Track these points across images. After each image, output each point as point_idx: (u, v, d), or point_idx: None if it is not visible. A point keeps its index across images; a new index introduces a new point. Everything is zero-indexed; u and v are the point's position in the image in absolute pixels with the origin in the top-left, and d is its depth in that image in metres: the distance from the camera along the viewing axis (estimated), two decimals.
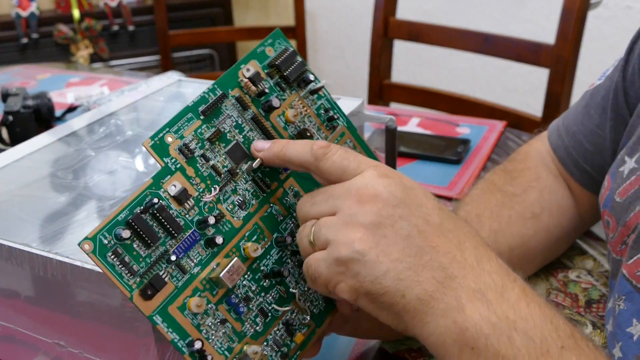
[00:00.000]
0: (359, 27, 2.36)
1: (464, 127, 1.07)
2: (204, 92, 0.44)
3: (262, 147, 0.45)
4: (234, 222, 0.44)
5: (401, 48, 1.59)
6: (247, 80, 0.46)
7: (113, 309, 0.45)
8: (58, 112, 1.13)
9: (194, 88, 0.81)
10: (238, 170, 0.45)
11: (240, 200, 0.45)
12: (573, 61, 1.19)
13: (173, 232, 0.41)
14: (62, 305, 0.48)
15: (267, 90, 0.46)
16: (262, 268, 0.45)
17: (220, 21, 2.58)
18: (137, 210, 0.40)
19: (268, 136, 0.46)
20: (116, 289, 0.44)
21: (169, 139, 0.42)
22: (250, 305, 0.44)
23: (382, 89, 1.48)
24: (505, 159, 0.74)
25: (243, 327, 0.43)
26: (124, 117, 0.72)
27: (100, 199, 0.56)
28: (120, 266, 0.39)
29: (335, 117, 0.50)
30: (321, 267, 0.41)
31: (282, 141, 0.45)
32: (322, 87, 0.49)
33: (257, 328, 0.44)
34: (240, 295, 0.43)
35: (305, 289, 0.47)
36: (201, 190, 0.43)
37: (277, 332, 0.45)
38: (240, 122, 0.46)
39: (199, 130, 0.44)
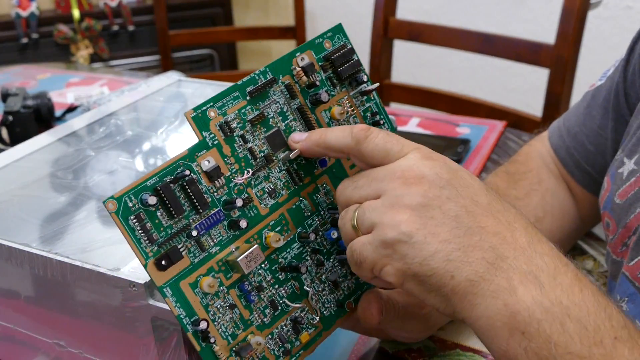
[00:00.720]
0: (359, 27, 2.36)
1: (464, 127, 1.07)
2: (254, 73, 0.44)
3: (299, 138, 0.44)
4: (261, 209, 0.44)
5: (401, 48, 1.59)
6: (299, 69, 0.45)
7: (113, 309, 0.45)
8: (58, 112, 1.13)
9: (194, 88, 0.81)
10: (274, 158, 0.44)
11: (271, 188, 0.44)
12: (573, 61, 1.19)
13: (199, 207, 0.40)
14: (62, 305, 0.48)
15: (317, 83, 0.46)
16: (280, 260, 0.44)
17: (220, 21, 2.58)
18: (167, 179, 0.39)
19: (310, 129, 0.46)
20: (116, 289, 0.44)
21: (212, 114, 0.42)
22: (262, 295, 0.43)
23: (382, 89, 1.48)
24: (506, 160, 0.74)
25: (250, 316, 0.43)
26: (124, 117, 0.72)
27: (100, 199, 0.56)
28: (140, 231, 0.38)
29: (381, 122, 0.49)
30: (366, 251, 0.40)
31: (320, 129, 0.44)
32: (374, 89, 0.48)
33: (265, 319, 0.43)
34: (253, 283, 0.43)
35: (320, 289, 0.46)
36: (234, 170, 0.42)
37: (284, 327, 0.44)
38: (285, 109, 0.45)
39: (242, 111, 0.43)
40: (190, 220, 0.40)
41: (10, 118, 0.99)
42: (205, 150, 0.41)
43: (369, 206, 0.40)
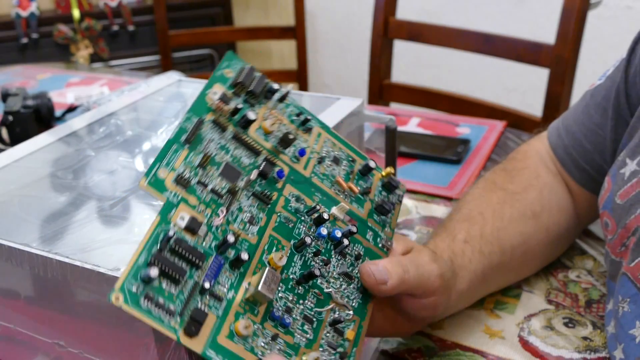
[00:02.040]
0: (359, 27, 2.36)
1: (464, 127, 1.07)
2: (180, 124, 0.44)
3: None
4: (250, 239, 0.44)
5: (401, 48, 1.59)
6: (218, 101, 0.45)
7: (113, 309, 0.45)
8: (58, 112, 1.13)
9: (193, 88, 0.81)
10: (237, 189, 0.44)
11: (248, 216, 0.44)
12: (573, 61, 1.19)
13: (197, 261, 0.40)
14: (62, 305, 0.48)
15: (239, 106, 0.46)
16: (291, 277, 0.45)
17: (220, 21, 2.58)
18: (155, 249, 0.39)
19: (253, 150, 0.46)
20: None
21: (162, 174, 0.41)
22: (294, 315, 0.43)
23: (382, 89, 1.48)
24: (504, 159, 0.74)
25: (295, 339, 0.43)
26: (124, 117, 0.72)
27: (100, 199, 0.56)
28: (156, 309, 0.37)
29: (309, 118, 0.51)
30: None
31: None
32: (289, 92, 0.50)
33: (308, 336, 0.44)
34: (281, 308, 0.43)
35: (338, 286, 0.47)
36: (209, 215, 0.42)
37: (328, 335, 0.45)
38: (223, 143, 0.45)
39: (188, 159, 0.43)
40: (196, 278, 0.40)
41: (10, 118, 0.99)
42: (174, 209, 0.41)
43: None
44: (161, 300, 0.37)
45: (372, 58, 1.47)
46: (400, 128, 1.06)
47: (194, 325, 0.38)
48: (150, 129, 0.70)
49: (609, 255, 0.58)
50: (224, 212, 0.43)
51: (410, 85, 1.46)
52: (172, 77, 0.88)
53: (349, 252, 0.49)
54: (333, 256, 0.48)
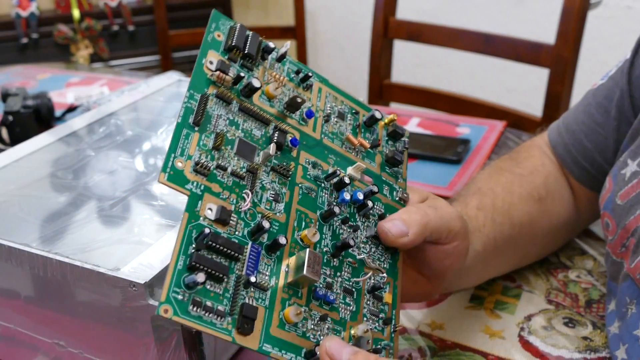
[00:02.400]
0: (359, 27, 2.36)
1: (464, 127, 1.07)
2: (184, 103, 0.42)
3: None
4: (279, 218, 0.43)
5: (401, 48, 1.59)
6: (217, 72, 0.44)
7: (113, 309, 0.45)
8: (58, 112, 1.13)
9: None
10: (256, 166, 0.43)
11: (272, 194, 0.43)
12: (573, 61, 1.19)
13: (236, 254, 0.38)
14: (62, 305, 0.48)
15: (242, 74, 0.44)
16: (325, 250, 0.44)
17: None
18: (191, 249, 0.37)
19: (262, 120, 0.45)
20: (116, 289, 0.44)
21: (180, 164, 0.39)
22: (335, 290, 0.43)
23: (382, 89, 1.48)
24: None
25: (340, 314, 0.43)
26: (124, 117, 0.72)
27: (100, 199, 0.56)
28: (207, 314, 0.36)
29: (309, 75, 0.49)
30: None
31: None
32: (286, 50, 0.48)
33: (351, 308, 0.43)
34: (322, 285, 0.42)
35: (368, 250, 0.47)
36: (235, 201, 0.41)
37: (368, 303, 0.45)
38: (231, 117, 0.44)
39: (201, 142, 0.41)
40: (237, 272, 0.38)
41: (10, 118, 0.99)
42: (200, 201, 0.39)
43: None
44: (209, 303, 0.36)
45: (372, 58, 1.47)
46: None
47: (246, 323, 0.37)
48: (150, 129, 0.70)
49: (610, 256, 0.58)
50: (250, 194, 0.41)
51: (410, 85, 1.46)
52: (172, 77, 0.88)
53: (372, 212, 0.48)
54: (359, 220, 0.47)
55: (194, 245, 0.37)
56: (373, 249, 0.47)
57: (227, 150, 0.42)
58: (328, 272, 0.43)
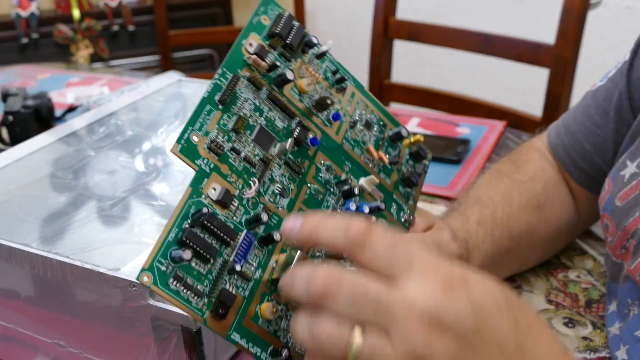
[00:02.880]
0: (359, 27, 2.36)
1: (464, 127, 1.07)
2: (215, 79, 0.41)
3: (291, 226, 0.37)
4: (280, 213, 0.42)
5: (401, 48, 1.59)
6: (254, 56, 0.43)
7: (113, 309, 0.45)
8: (58, 112, 1.13)
9: (194, 88, 0.81)
10: (270, 156, 0.43)
11: (279, 188, 0.43)
12: (573, 61, 1.19)
13: (228, 239, 0.38)
14: (62, 305, 0.48)
15: (277, 63, 0.44)
16: (317, 254, 0.43)
17: (220, 21, 2.58)
18: (186, 224, 0.37)
19: (287, 112, 0.45)
20: (116, 289, 0.44)
21: (195, 138, 0.39)
22: None
23: (382, 89, 1.48)
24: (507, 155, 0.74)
25: None
26: (124, 117, 0.72)
27: (100, 199, 0.56)
28: (185, 290, 0.36)
29: (345, 78, 0.49)
30: None
31: (313, 220, 0.37)
32: (328, 49, 0.47)
33: None
34: None
35: None
36: (240, 187, 0.40)
37: None
38: (257, 103, 0.43)
39: (221, 122, 0.41)
40: (225, 256, 0.38)
41: (10, 118, 0.99)
42: (206, 179, 0.39)
43: (378, 351, 0.33)
44: (190, 280, 0.36)
45: (372, 58, 1.47)
46: None
47: (221, 308, 0.37)
48: (150, 129, 0.70)
49: (610, 257, 0.58)
50: (257, 183, 0.41)
51: (410, 85, 1.46)
52: (172, 77, 0.88)
53: None
54: None
55: (189, 221, 0.37)
56: None
57: (245, 135, 0.42)
58: None
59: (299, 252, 0.40)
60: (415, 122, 1.10)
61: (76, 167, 0.61)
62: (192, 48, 2.52)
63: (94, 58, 2.44)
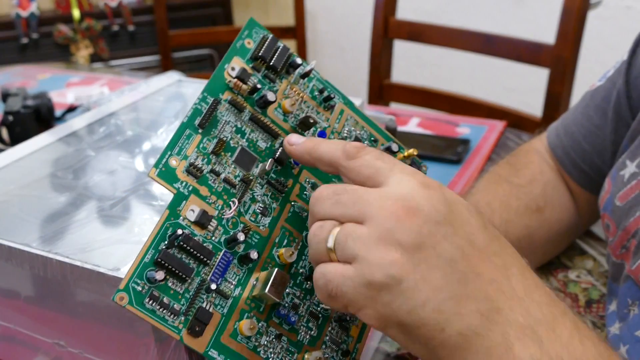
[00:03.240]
0: (359, 27, 2.36)
1: (464, 127, 1.07)
2: (195, 104, 0.42)
3: (295, 140, 0.42)
4: (261, 232, 0.43)
5: (401, 48, 1.59)
6: (235, 79, 0.44)
7: (113, 309, 0.45)
8: (58, 112, 1.13)
9: (194, 88, 0.81)
10: (251, 177, 0.43)
11: (261, 207, 0.43)
12: (573, 61, 1.19)
13: (205, 259, 0.39)
14: (62, 305, 0.48)
15: (258, 86, 0.44)
16: (301, 271, 0.44)
17: (220, 21, 2.59)
18: (162, 246, 0.38)
19: (270, 133, 0.45)
20: (116, 289, 0.44)
21: (174, 162, 0.40)
22: (300, 312, 0.43)
23: (382, 89, 1.48)
24: (506, 156, 0.74)
25: (298, 336, 0.42)
26: (124, 117, 0.72)
27: (100, 199, 0.56)
28: (161, 309, 0.37)
29: (332, 96, 0.48)
30: (346, 287, 0.35)
31: (315, 139, 0.42)
32: (312, 69, 0.47)
33: (312, 333, 0.43)
34: (287, 305, 0.42)
35: None
36: (220, 207, 0.41)
37: (332, 331, 0.44)
38: (239, 125, 0.44)
39: (201, 145, 0.41)
40: (203, 275, 0.39)
41: (10, 118, 0.99)
42: (184, 201, 0.40)
43: (354, 232, 0.35)
44: (166, 299, 0.37)
45: (372, 58, 1.47)
46: (400, 128, 1.06)
47: (198, 325, 0.38)
48: (150, 129, 0.70)
49: (611, 257, 0.58)
50: (236, 203, 0.42)
51: (410, 85, 1.46)
52: (172, 77, 0.88)
53: None
54: None
55: (165, 242, 0.38)
56: None
57: (225, 156, 0.43)
58: (298, 294, 0.43)
59: (275, 270, 0.41)
60: (415, 122, 1.10)
61: (76, 167, 0.61)
62: (192, 48, 2.52)
63: (94, 58, 2.44)
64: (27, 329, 0.52)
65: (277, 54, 0.46)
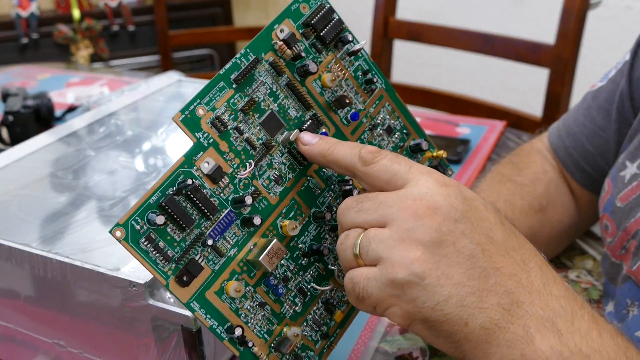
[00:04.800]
0: (359, 27, 2.36)
1: (464, 127, 1.07)
2: (236, 58, 0.41)
3: (308, 140, 0.42)
4: (271, 199, 0.42)
5: (401, 48, 1.59)
6: (281, 42, 0.42)
7: (113, 309, 0.45)
8: (58, 112, 1.13)
9: (194, 88, 0.81)
10: (274, 143, 0.42)
11: (276, 174, 0.43)
12: (573, 61, 1.19)
13: (208, 213, 0.39)
14: (62, 305, 0.48)
15: (303, 54, 0.43)
16: (300, 246, 0.43)
17: (220, 21, 2.59)
18: (170, 191, 0.37)
19: (304, 103, 0.44)
20: (116, 289, 0.44)
21: (200, 112, 0.39)
22: (289, 285, 0.43)
23: None
24: (508, 155, 0.74)
25: (282, 309, 0.42)
26: (124, 117, 0.72)
27: (100, 199, 0.56)
28: (154, 252, 0.37)
29: (375, 79, 0.47)
30: (371, 287, 0.36)
31: (330, 140, 0.42)
32: (362, 48, 0.46)
33: (296, 308, 0.43)
34: (278, 275, 0.42)
35: None
36: (235, 166, 0.41)
37: (317, 311, 0.44)
38: (274, 89, 0.43)
39: (231, 101, 0.41)
40: (203, 228, 0.39)
41: (10, 118, 0.99)
42: (202, 152, 0.39)
43: (376, 236, 0.37)
44: (161, 244, 0.37)
45: (372, 58, 1.47)
46: None
47: (186, 276, 0.38)
48: (150, 129, 0.70)
49: (609, 257, 0.58)
50: (252, 165, 0.41)
51: (410, 85, 1.46)
52: (172, 77, 0.88)
53: None
54: None
55: (173, 188, 0.38)
56: None
57: (253, 117, 0.42)
58: (292, 267, 0.43)
59: (274, 240, 0.41)
60: None
61: (76, 167, 0.61)
62: (192, 48, 2.52)
63: (94, 58, 2.44)
64: (27, 329, 0.52)
65: (329, 26, 0.45)
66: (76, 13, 2.41)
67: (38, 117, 1.04)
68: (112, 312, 0.45)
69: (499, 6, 2.01)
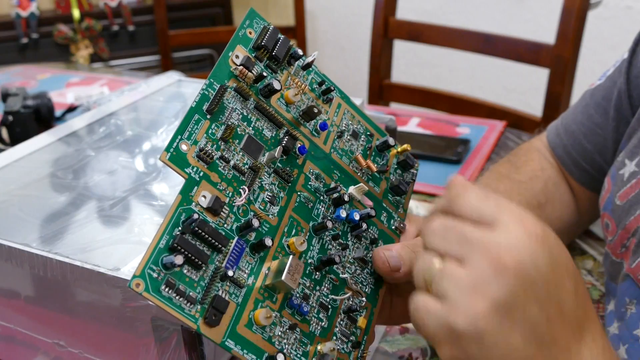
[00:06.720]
0: (359, 27, 2.36)
1: (464, 127, 1.07)
2: (202, 90, 0.42)
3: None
4: (271, 221, 0.43)
5: (401, 48, 1.59)
6: (241, 67, 0.44)
7: (113, 309, 0.45)
8: (58, 112, 1.13)
9: (194, 88, 0.81)
10: (259, 164, 0.43)
11: (269, 196, 0.43)
12: (573, 61, 1.19)
13: (220, 246, 0.38)
14: (62, 305, 0.48)
15: (264, 74, 0.45)
16: (309, 261, 0.44)
17: (220, 21, 2.59)
18: (177, 231, 0.37)
19: (275, 122, 0.45)
20: (116, 289, 0.44)
21: (184, 147, 0.40)
22: (310, 302, 0.43)
23: (382, 89, 1.48)
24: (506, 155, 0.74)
25: (310, 327, 0.42)
26: (124, 117, 0.72)
27: (100, 199, 0.56)
28: (177, 297, 0.36)
29: (331, 88, 0.49)
30: (429, 321, 0.36)
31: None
32: (313, 60, 0.48)
33: (323, 324, 0.43)
34: (299, 294, 0.42)
35: (352, 271, 0.46)
36: (230, 194, 0.41)
37: (341, 322, 0.44)
38: (245, 113, 0.44)
39: (210, 131, 0.41)
40: (217, 263, 0.38)
41: (10, 118, 0.99)
42: (196, 187, 0.39)
43: (451, 274, 0.36)
44: (182, 287, 0.36)
45: (372, 58, 1.47)
46: (400, 128, 1.06)
47: (214, 314, 0.37)
48: (150, 129, 0.70)
49: (610, 256, 0.58)
50: (246, 191, 0.41)
51: (410, 85, 1.46)
52: (172, 77, 0.88)
53: (364, 235, 0.48)
54: (349, 240, 0.47)
55: (179, 228, 0.37)
56: (358, 271, 0.47)
57: (234, 143, 0.43)
58: (308, 284, 0.43)
59: (291, 257, 0.41)
60: (415, 122, 1.10)
61: (76, 167, 0.61)
62: (192, 48, 2.52)
63: (94, 58, 2.44)
64: (27, 329, 0.52)
65: (278, 45, 0.46)
66: (76, 13, 2.41)
67: (38, 117, 1.04)
68: (112, 312, 0.45)
69: (499, 6, 2.01)
